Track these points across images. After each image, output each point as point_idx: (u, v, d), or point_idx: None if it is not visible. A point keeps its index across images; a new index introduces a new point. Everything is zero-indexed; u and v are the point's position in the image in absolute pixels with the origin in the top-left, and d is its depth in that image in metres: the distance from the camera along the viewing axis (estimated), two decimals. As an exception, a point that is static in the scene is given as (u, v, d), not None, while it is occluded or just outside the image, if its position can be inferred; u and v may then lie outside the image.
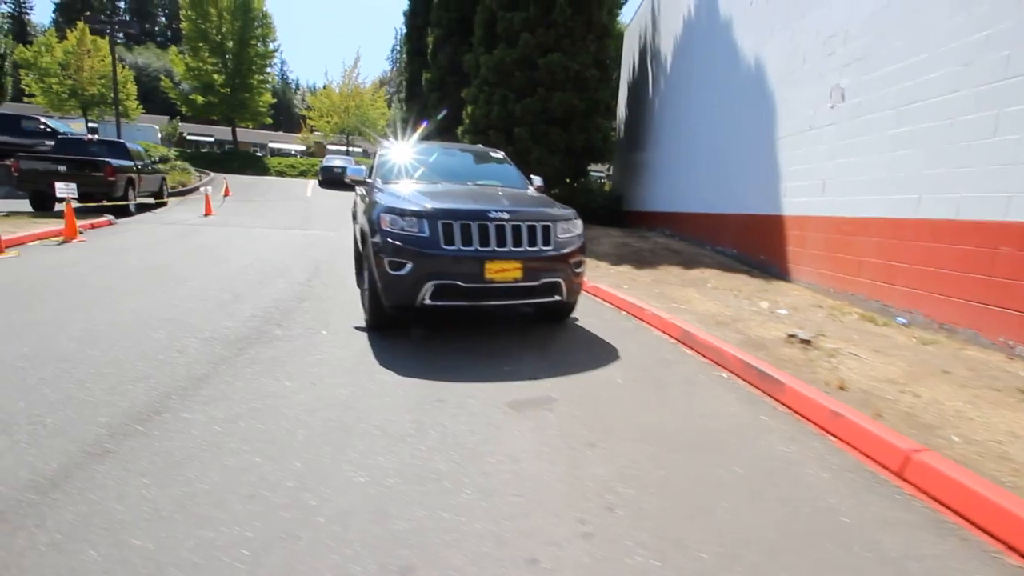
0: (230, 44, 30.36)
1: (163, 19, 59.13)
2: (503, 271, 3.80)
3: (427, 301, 3.79)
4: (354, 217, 6.85)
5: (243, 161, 30.14)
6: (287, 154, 44.08)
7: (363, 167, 5.21)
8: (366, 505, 1.94)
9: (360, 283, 5.14)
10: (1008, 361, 3.48)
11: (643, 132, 13.87)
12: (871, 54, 5.15)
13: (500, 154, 5.76)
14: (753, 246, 7.35)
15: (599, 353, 3.96)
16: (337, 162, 23.01)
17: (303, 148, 47.12)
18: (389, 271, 3.79)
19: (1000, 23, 3.76)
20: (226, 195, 16.93)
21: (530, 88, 12.72)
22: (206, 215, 12.65)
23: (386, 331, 4.18)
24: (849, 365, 3.72)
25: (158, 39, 54.22)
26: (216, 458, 2.21)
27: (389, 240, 3.81)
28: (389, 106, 46.82)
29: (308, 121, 42.08)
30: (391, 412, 2.77)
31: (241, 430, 2.47)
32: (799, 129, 6.38)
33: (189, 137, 40.67)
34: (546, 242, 4.00)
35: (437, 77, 16.31)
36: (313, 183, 23.28)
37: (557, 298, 4.13)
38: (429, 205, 3.87)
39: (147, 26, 51.43)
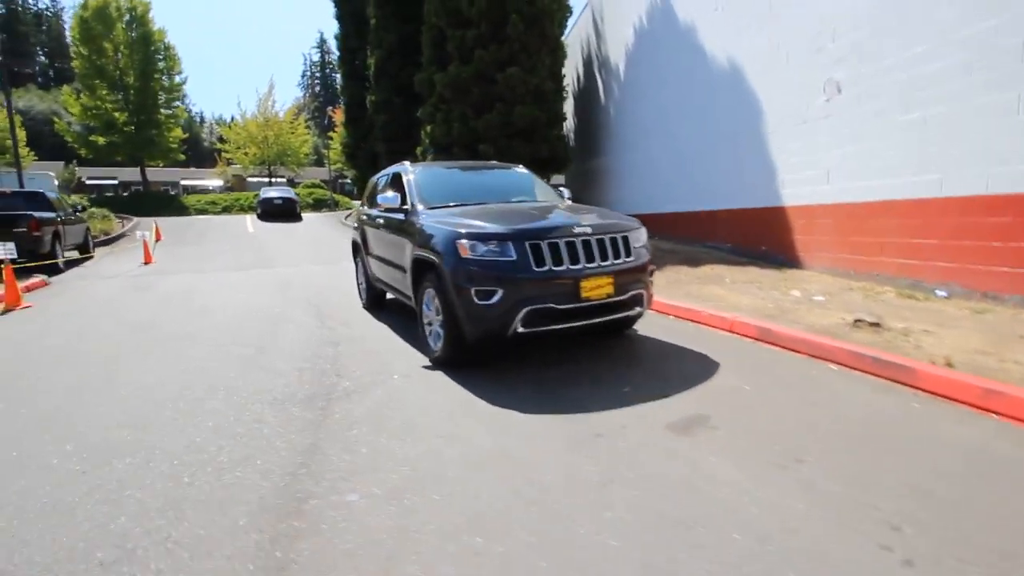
0: (131, 79, 28.06)
1: (43, 58, 53.58)
2: (597, 288, 3.60)
3: (520, 329, 3.50)
4: (359, 248, 6.38)
5: (156, 202, 27.75)
6: (203, 191, 41.21)
7: (393, 193, 4.79)
8: (653, 570, 1.67)
9: (418, 317, 4.72)
10: (1076, 318, 3.76)
11: (599, 138, 14.16)
12: (866, 48, 5.49)
13: (524, 169, 5.56)
14: (752, 239, 7.60)
15: (695, 362, 3.84)
16: (273, 193, 21.73)
17: (220, 183, 44.30)
18: (476, 301, 3.47)
19: (1007, 12, 4.10)
20: (158, 239, 15.42)
21: (488, 103, 12.61)
22: (146, 263, 11.41)
23: (460, 367, 3.82)
24: (928, 341, 3.84)
25: (39, 80, 48.99)
26: (437, 545, 1.84)
27: (473, 268, 3.50)
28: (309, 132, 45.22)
29: (224, 154, 39.71)
30: (558, 456, 2.48)
31: (422, 506, 2.10)
32: (792, 123, 6.70)
33: (89, 181, 36.95)
34: (627, 253, 3.85)
35: (383, 98, 15.82)
36: (251, 218, 21.80)
37: (638, 309, 3.99)
38: (508, 226, 3.61)
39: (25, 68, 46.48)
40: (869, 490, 2.08)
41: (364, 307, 6.44)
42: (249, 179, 44.19)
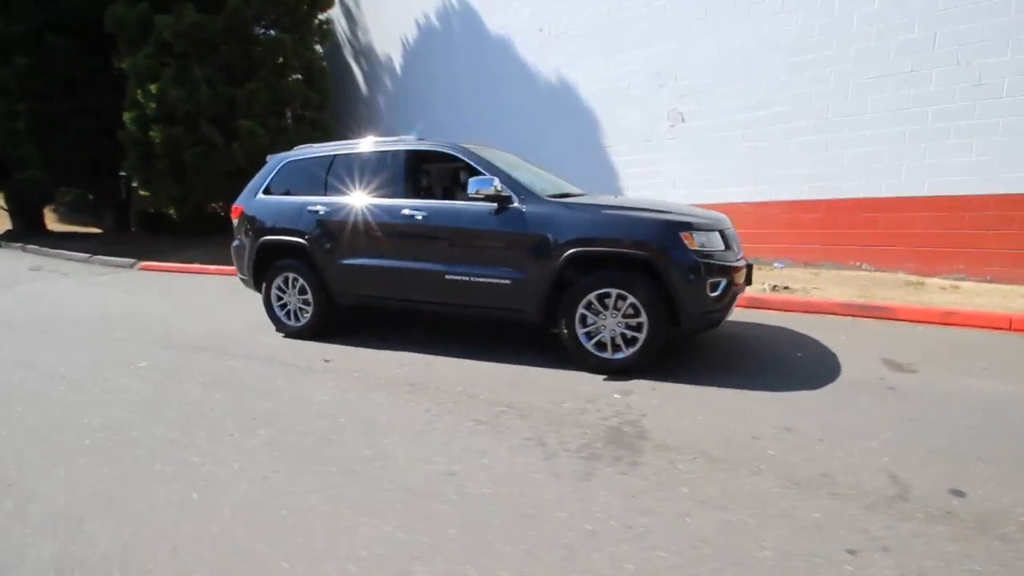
0: None
1: None
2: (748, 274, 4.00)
3: (728, 317, 3.59)
4: (298, 255, 4.47)
5: None
6: None
7: (489, 178, 3.67)
8: None
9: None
10: (872, 273, 6.44)
11: (361, 132, 13.12)
12: (708, 91, 7.48)
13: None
14: (596, 233, 8.97)
15: (770, 329, 4.69)
16: None
17: None
18: (709, 293, 3.37)
19: (823, 85, 6.56)
20: None
21: (248, 69, 9.96)
22: None
23: (644, 371, 3.53)
24: (826, 294, 5.87)
25: None
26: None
27: (703, 259, 3.37)
28: None
29: None
30: (918, 409, 2.91)
31: None
32: (636, 140, 8.32)
33: None
34: (735, 242, 4.37)
35: (19, 32, 9.91)
36: None
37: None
38: (703, 217, 3.60)
39: None
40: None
41: (293, 334, 4.63)
42: None
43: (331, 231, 4.28)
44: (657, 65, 7.96)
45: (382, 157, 4.26)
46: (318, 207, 4.33)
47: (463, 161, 3.97)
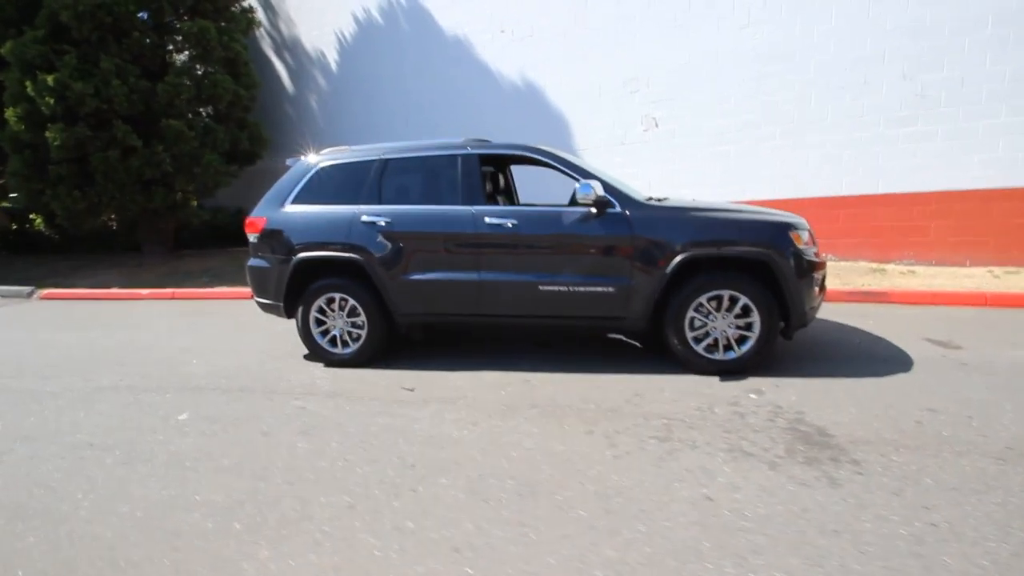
0: None
1: None
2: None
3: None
4: (350, 272, 3.97)
5: None
6: None
7: (590, 183, 3.49)
8: None
9: None
10: (838, 262, 7.22)
11: (291, 134, 11.99)
12: (680, 97, 7.89)
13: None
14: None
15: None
16: None
17: None
18: (814, 287, 3.59)
19: (788, 93, 7.22)
20: None
21: (163, 61, 8.57)
22: None
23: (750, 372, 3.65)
24: None
25: None
26: None
27: (808, 257, 3.56)
28: None
29: None
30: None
31: None
32: (610, 143, 8.53)
33: None
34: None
35: None
36: None
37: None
38: (791, 216, 3.79)
39: None
40: (1046, 341, 4.07)
41: (340, 363, 4.12)
42: None
43: (396, 244, 3.83)
44: (629, 71, 8.23)
45: (449, 160, 3.90)
46: (377, 217, 3.85)
47: (547, 164, 3.79)
